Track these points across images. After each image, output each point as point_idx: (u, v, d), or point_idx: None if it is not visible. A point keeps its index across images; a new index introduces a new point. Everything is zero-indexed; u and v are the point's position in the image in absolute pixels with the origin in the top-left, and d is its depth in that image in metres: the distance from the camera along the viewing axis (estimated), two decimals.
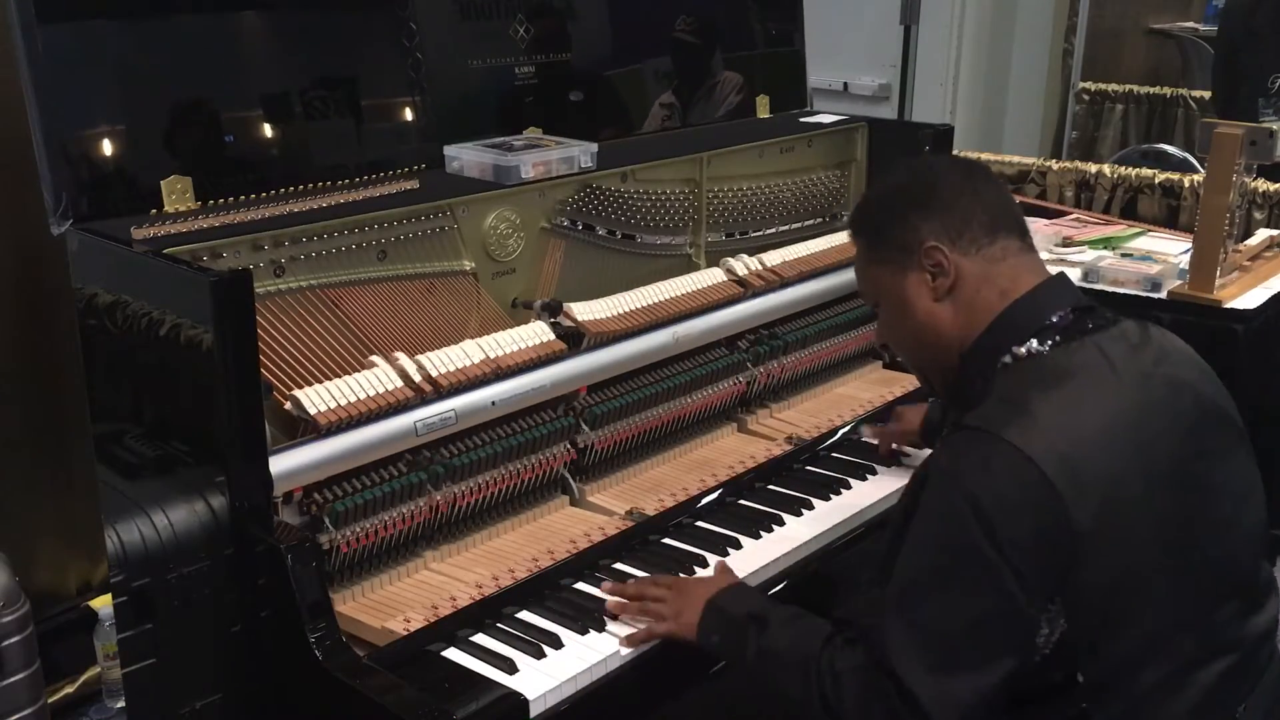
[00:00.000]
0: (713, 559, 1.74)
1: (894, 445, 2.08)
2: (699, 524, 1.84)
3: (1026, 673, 1.36)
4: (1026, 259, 1.51)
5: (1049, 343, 1.44)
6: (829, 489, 1.95)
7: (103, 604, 2.25)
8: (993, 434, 1.33)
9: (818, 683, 1.41)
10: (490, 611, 1.59)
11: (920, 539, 1.37)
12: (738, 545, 1.78)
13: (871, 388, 2.38)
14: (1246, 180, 2.94)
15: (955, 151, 2.83)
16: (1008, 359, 1.45)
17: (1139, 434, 1.37)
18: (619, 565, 1.72)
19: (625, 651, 1.55)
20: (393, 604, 1.61)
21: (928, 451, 2.06)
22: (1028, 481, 1.30)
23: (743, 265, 2.20)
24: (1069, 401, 1.37)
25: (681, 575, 1.69)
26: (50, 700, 1.89)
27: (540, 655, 1.51)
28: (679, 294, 2.06)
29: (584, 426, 1.89)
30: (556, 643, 1.54)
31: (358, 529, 1.60)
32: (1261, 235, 3.17)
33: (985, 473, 1.32)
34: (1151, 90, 5.08)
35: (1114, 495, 1.32)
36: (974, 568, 1.31)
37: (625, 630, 1.58)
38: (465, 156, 1.95)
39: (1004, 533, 1.29)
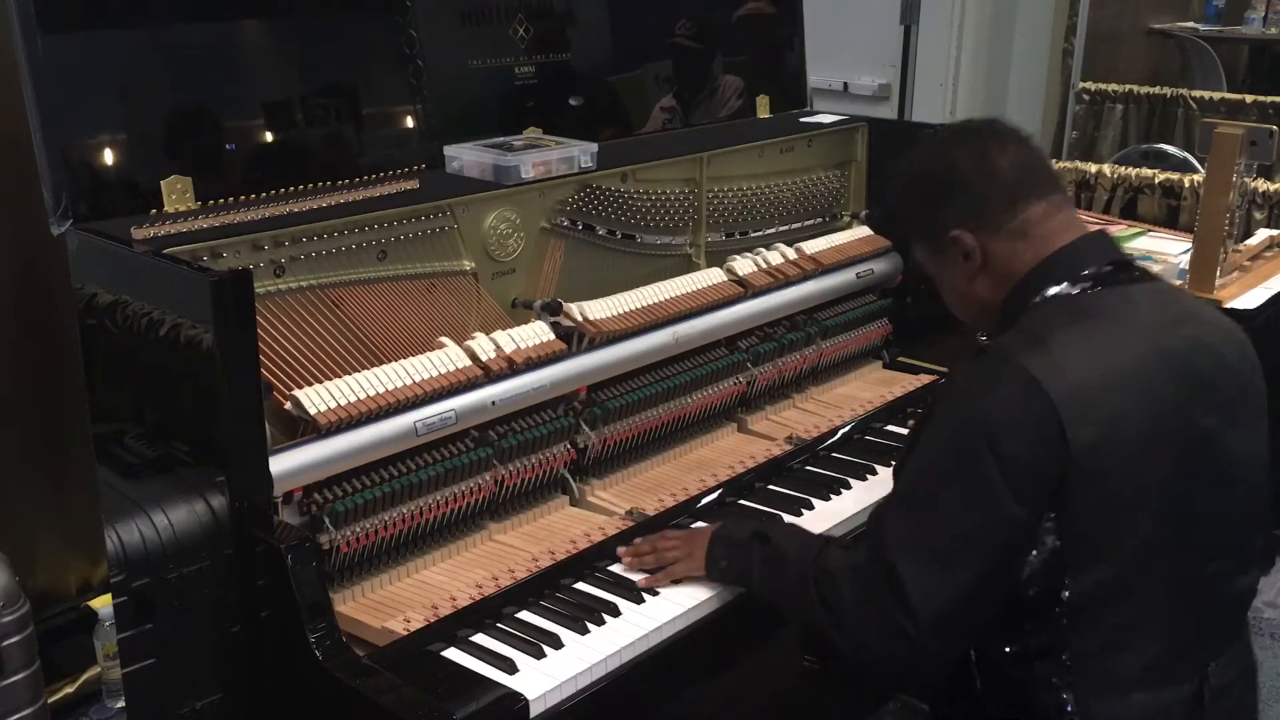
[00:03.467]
0: None
1: None
2: (699, 524, 1.84)
3: (1015, 586, 1.43)
4: (1058, 220, 1.55)
5: (1080, 287, 1.50)
6: (829, 489, 1.95)
7: (103, 604, 2.25)
8: (1006, 357, 1.42)
9: (815, 583, 1.49)
10: (490, 611, 1.59)
11: (928, 446, 1.46)
12: None
13: (871, 388, 2.38)
14: (1246, 180, 2.94)
15: None
16: (1038, 299, 1.51)
17: (1150, 378, 1.43)
18: (619, 565, 1.72)
19: (626, 652, 1.55)
20: (393, 604, 1.61)
21: None
22: (1032, 401, 1.38)
23: (744, 265, 2.20)
24: (1085, 336, 1.44)
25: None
26: (50, 700, 1.89)
27: (540, 655, 1.51)
28: (679, 294, 2.06)
29: (584, 426, 1.89)
30: (556, 643, 1.54)
31: (358, 529, 1.60)
32: (1261, 235, 3.17)
33: (993, 390, 1.40)
34: (1151, 90, 5.08)
35: (1115, 427, 1.39)
36: (975, 476, 1.39)
37: (634, 622, 1.60)
38: (465, 156, 1.95)
39: (1005, 447, 1.37)
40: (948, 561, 1.40)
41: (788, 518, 1.85)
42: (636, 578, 1.67)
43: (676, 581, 1.66)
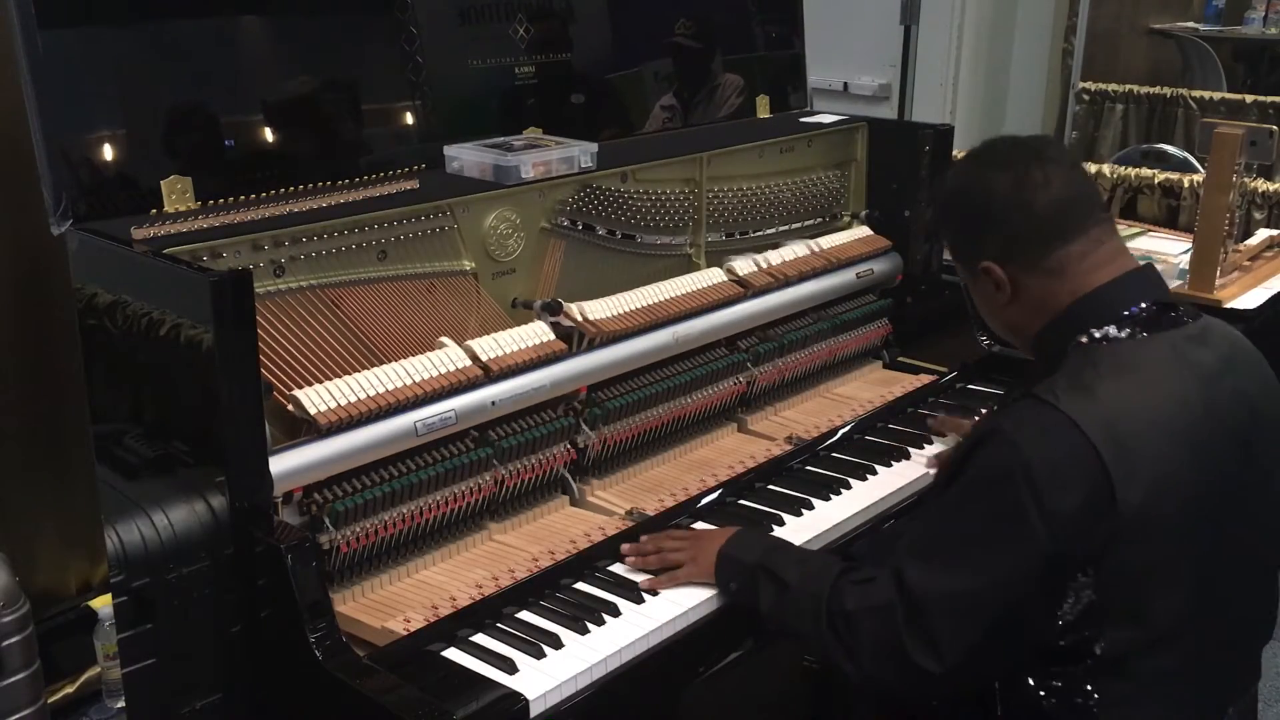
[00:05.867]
0: None
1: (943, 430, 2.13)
2: (699, 524, 1.84)
3: (1047, 633, 1.41)
4: (1100, 254, 1.51)
5: (1126, 331, 1.47)
6: (829, 489, 1.95)
7: (103, 604, 2.25)
8: (1055, 407, 1.38)
9: (829, 622, 1.47)
10: (490, 611, 1.59)
11: (968, 494, 1.42)
12: None
13: (871, 388, 2.38)
14: (1246, 180, 2.95)
15: (955, 152, 2.83)
16: (1084, 339, 1.48)
17: (1197, 434, 1.41)
18: (619, 565, 1.72)
19: (626, 652, 1.54)
20: (393, 604, 1.61)
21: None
22: (1081, 456, 1.35)
23: (744, 265, 2.20)
24: (1134, 389, 1.41)
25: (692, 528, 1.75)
26: (50, 700, 1.89)
27: (540, 655, 1.51)
28: (679, 294, 2.06)
29: (584, 426, 1.89)
30: (556, 643, 1.54)
31: (358, 529, 1.60)
32: (1261, 235, 3.17)
33: (1042, 442, 1.36)
34: (1151, 90, 5.08)
35: (1162, 486, 1.37)
36: (1014, 528, 1.36)
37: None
38: (465, 156, 1.95)
39: (1050, 502, 1.34)
40: (981, 611, 1.38)
41: (788, 519, 1.86)
42: (639, 578, 1.66)
43: (680, 585, 1.65)
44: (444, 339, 1.74)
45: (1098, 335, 1.47)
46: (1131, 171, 3.56)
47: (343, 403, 1.58)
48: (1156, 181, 3.50)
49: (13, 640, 1.56)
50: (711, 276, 2.14)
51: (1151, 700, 1.42)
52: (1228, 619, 1.47)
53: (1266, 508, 1.49)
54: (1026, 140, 1.58)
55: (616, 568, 1.71)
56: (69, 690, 2.23)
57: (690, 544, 1.67)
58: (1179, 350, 1.46)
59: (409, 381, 1.65)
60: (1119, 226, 3.31)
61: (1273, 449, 1.50)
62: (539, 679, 1.47)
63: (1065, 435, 1.36)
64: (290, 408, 1.56)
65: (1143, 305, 1.48)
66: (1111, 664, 1.40)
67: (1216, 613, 1.44)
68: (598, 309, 1.93)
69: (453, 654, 1.52)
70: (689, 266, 2.23)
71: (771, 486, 1.96)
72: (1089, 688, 1.42)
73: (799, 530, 1.83)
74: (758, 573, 1.58)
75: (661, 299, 2.03)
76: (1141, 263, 1.54)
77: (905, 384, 2.37)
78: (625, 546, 1.71)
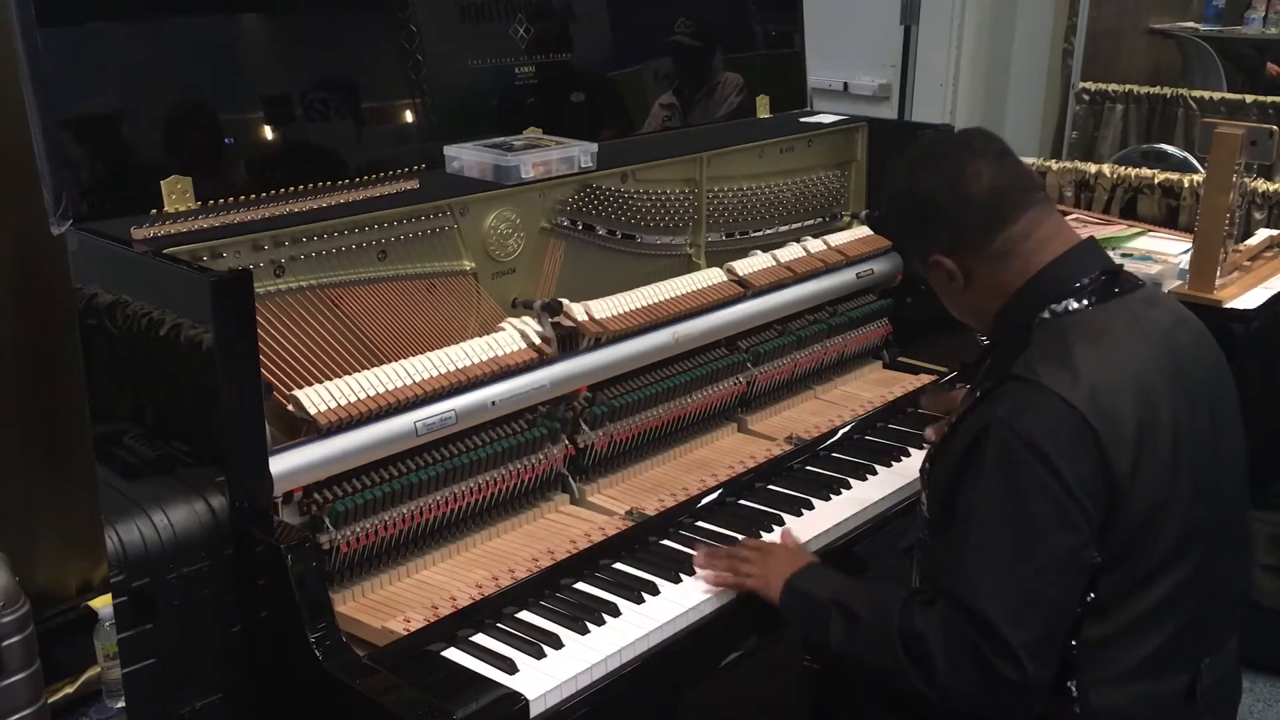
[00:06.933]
0: None
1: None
2: (699, 524, 1.84)
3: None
4: (1044, 230, 1.57)
5: (1084, 302, 1.52)
6: (829, 489, 1.95)
7: (103, 604, 2.25)
8: (1042, 385, 1.42)
9: (904, 648, 1.47)
10: (490, 611, 1.59)
11: (991, 489, 1.43)
12: None
13: (871, 388, 2.38)
14: (1246, 180, 2.95)
15: None
16: (1046, 315, 1.52)
17: (1171, 392, 1.47)
18: (619, 565, 1.72)
19: (626, 652, 1.55)
20: (393, 604, 1.61)
21: None
22: (1077, 429, 1.39)
23: (744, 265, 2.20)
24: (1108, 357, 1.46)
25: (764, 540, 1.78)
26: (50, 700, 1.89)
27: (540, 655, 1.51)
28: (679, 294, 2.06)
29: (584, 426, 1.89)
30: (556, 643, 1.54)
31: (358, 529, 1.60)
32: (1261, 235, 3.17)
33: (1040, 420, 1.40)
34: (1151, 90, 5.07)
35: (1145, 446, 1.42)
36: (1048, 508, 1.39)
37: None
38: (465, 156, 1.95)
39: (1068, 475, 1.38)
40: (1041, 598, 1.40)
41: (788, 519, 1.86)
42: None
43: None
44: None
45: (1059, 309, 1.52)
46: (1131, 171, 3.56)
47: (343, 403, 1.58)
48: (1156, 181, 3.49)
49: (13, 640, 1.56)
50: (711, 276, 2.14)
51: (1129, 644, 1.47)
52: (1206, 569, 1.51)
53: (1231, 462, 1.56)
54: (954, 136, 1.65)
55: (617, 568, 1.71)
56: (69, 690, 2.23)
57: (761, 558, 1.67)
58: (1137, 314, 1.52)
59: (409, 381, 1.65)
60: (1119, 227, 3.33)
61: (1225, 401, 1.57)
62: (539, 679, 1.47)
63: (1058, 411, 1.40)
64: (290, 408, 1.56)
65: (1090, 276, 1.54)
66: (1097, 609, 1.46)
67: (1195, 558, 1.49)
68: (598, 309, 1.93)
69: (453, 654, 1.52)
70: (689, 266, 2.23)
71: (771, 486, 1.96)
72: (1071, 633, 1.46)
73: (799, 530, 1.83)
74: (830, 608, 1.57)
75: (661, 299, 2.03)
76: (1084, 236, 1.60)
77: (905, 384, 2.37)
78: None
